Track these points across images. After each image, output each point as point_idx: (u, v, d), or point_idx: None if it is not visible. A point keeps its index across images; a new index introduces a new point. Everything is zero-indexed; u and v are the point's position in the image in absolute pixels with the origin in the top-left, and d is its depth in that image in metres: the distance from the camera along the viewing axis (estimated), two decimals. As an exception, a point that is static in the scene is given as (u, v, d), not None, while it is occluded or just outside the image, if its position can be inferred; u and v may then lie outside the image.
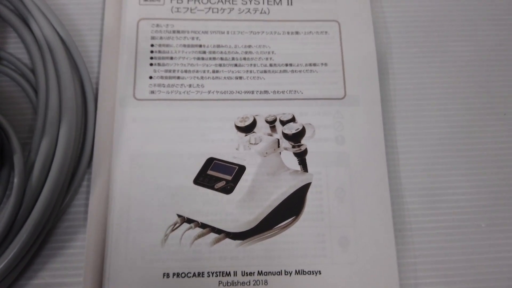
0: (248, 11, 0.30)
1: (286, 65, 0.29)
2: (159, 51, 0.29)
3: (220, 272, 0.25)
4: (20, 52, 0.29)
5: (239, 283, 0.25)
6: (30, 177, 0.24)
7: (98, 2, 0.30)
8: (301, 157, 0.27)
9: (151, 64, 0.29)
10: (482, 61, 0.30)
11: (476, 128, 0.29)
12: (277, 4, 0.30)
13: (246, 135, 0.28)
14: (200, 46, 0.29)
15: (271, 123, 0.28)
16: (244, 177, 0.27)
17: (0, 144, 0.24)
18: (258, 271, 0.25)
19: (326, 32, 0.30)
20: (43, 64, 0.27)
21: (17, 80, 0.28)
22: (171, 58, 0.29)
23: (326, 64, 0.29)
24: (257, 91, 0.28)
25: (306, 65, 0.29)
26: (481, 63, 0.30)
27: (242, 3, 0.30)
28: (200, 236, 0.25)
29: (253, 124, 0.28)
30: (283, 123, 0.28)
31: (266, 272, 0.25)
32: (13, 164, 0.24)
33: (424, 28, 0.31)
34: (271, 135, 0.28)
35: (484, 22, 0.31)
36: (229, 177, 0.27)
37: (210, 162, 0.27)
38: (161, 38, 0.29)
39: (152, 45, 0.29)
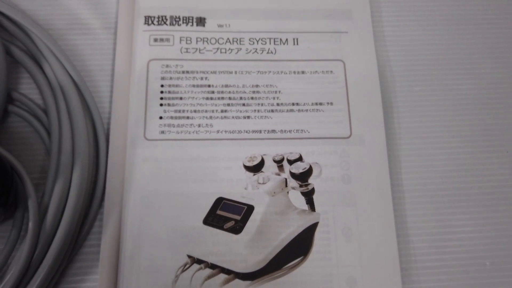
0: (255, 51, 0.31)
1: (293, 104, 0.30)
2: (169, 91, 0.30)
3: (230, 313, 0.25)
4: (32, 92, 0.29)
5: (248, 324, 0.25)
6: (45, 220, 0.24)
7: (109, 43, 0.31)
8: (309, 196, 0.28)
9: (161, 105, 0.29)
10: (484, 99, 0.31)
11: (480, 166, 0.30)
12: (284, 44, 0.31)
13: (254, 174, 0.28)
14: (209, 86, 0.30)
15: (279, 163, 0.28)
16: (252, 216, 0.27)
17: (14, 186, 0.25)
18: (268, 312, 0.25)
19: (331, 72, 0.31)
20: (56, 105, 0.28)
21: (29, 121, 0.28)
22: (181, 98, 0.30)
23: (331, 103, 0.30)
24: (265, 130, 0.29)
25: (312, 104, 0.30)
26: (483, 101, 0.31)
27: (249, 44, 0.31)
28: (210, 277, 0.26)
29: (261, 163, 0.28)
30: (291, 162, 0.28)
31: (275, 313, 0.25)
32: (26, 206, 0.25)
33: (426, 66, 0.32)
34: (278, 174, 0.28)
35: (486, 61, 0.32)
36: (238, 217, 0.27)
37: (219, 202, 0.27)
38: (170, 78, 0.30)
39: (162, 86, 0.30)
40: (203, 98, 0.30)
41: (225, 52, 0.31)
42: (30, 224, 0.24)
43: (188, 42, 0.31)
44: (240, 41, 0.31)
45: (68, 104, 0.27)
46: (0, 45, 0.28)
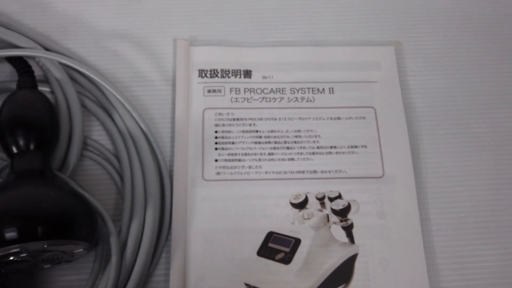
0: (296, 99, 0.35)
1: (331, 147, 0.34)
2: (222, 137, 0.34)
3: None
4: (103, 139, 0.33)
5: None
6: (124, 255, 0.28)
7: (167, 94, 0.35)
8: (348, 230, 0.31)
9: (216, 148, 0.33)
10: (500, 141, 0.35)
11: (499, 201, 0.33)
12: (321, 93, 0.35)
13: (299, 210, 0.32)
14: (257, 131, 0.34)
15: (321, 200, 0.32)
16: (300, 249, 0.31)
17: (97, 226, 0.28)
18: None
19: (364, 118, 0.35)
20: (127, 151, 0.32)
21: (102, 164, 0.32)
22: (233, 142, 0.33)
23: (365, 146, 0.34)
24: (307, 171, 0.33)
25: (348, 147, 0.34)
26: (500, 143, 0.35)
27: (290, 93, 0.35)
28: (265, 303, 0.29)
29: (305, 201, 0.32)
30: (331, 199, 0.32)
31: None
32: (105, 241, 0.28)
33: (448, 112, 0.36)
34: (321, 210, 0.32)
35: (502, 106, 0.36)
36: (287, 249, 0.31)
37: (270, 236, 0.31)
38: (223, 125, 0.34)
39: (216, 131, 0.34)
40: (252, 142, 0.34)
41: (270, 101, 0.35)
42: (113, 259, 0.28)
43: (237, 92, 0.35)
44: (282, 90, 0.35)
45: (138, 150, 0.31)
46: (77, 98, 0.32)
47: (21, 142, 0.28)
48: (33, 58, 0.33)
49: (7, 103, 0.29)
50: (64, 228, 0.25)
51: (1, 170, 0.32)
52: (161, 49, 0.36)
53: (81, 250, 0.27)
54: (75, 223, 0.25)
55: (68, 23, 0.36)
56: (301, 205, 0.32)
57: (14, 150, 0.28)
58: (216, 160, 0.33)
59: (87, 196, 0.28)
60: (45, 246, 0.24)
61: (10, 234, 0.23)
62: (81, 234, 0.26)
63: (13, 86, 0.33)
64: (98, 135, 0.33)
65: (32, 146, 0.28)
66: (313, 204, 0.32)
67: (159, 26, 0.37)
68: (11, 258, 0.25)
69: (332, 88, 0.35)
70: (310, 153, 0.34)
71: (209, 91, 0.35)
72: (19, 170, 0.27)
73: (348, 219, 0.32)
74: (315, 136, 0.34)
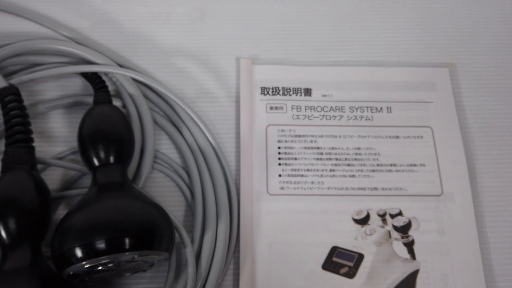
0: (355, 118, 0.36)
1: (391, 165, 0.35)
2: (285, 153, 0.35)
3: None
4: (171, 152, 0.35)
5: None
6: (199, 266, 0.29)
7: (231, 110, 0.36)
8: (409, 246, 0.32)
9: (279, 164, 0.34)
10: (555, 162, 0.36)
11: (554, 222, 0.34)
12: (379, 111, 0.36)
13: (362, 226, 0.33)
14: (318, 148, 0.35)
15: (382, 216, 0.33)
16: (363, 263, 0.32)
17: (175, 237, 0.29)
18: None
19: (421, 137, 0.36)
20: (197, 165, 0.33)
21: (170, 176, 0.34)
22: (295, 158, 0.35)
23: (424, 165, 0.35)
24: (368, 188, 0.34)
25: (407, 165, 0.35)
26: (554, 164, 0.36)
27: (349, 111, 0.36)
28: (332, 315, 0.30)
29: (367, 217, 0.33)
30: (392, 216, 0.33)
31: None
32: (178, 251, 0.30)
33: (501, 132, 0.37)
34: (383, 227, 0.33)
35: (554, 128, 0.37)
36: (351, 264, 0.32)
37: (334, 250, 0.32)
38: (286, 141, 0.35)
39: (279, 147, 0.35)
40: (313, 158, 0.35)
41: (330, 119, 0.36)
42: (190, 269, 0.29)
43: (298, 110, 0.36)
44: (341, 109, 0.36)
45: (208, 164, 0.33)
46: (149, 112, 0.34)
47: (103, 155, 0.29)
48: (106, 73, 0.35)
49: (88, 118, 0.31)
50: (153, 239, 0.26)
51: (75, 180, 0.33)
52: (224, 66, 0.38)
53: (161, 260, 0.28)
54: (161, 234, 0.27)
55: (135, 40, 0.38)
56: (363, 221, 0.33)
57: (96, 163, 0.29)
58: (280, 175, 0.34)
59: (169, 214, 0.29)
60: (135, 257, 0.26)
61: (105, 245, 0.25)
62: (165, 244, 0.27)
63: (85, 99, 0.35)
64: (166, 148, 0.35)
65: (112, 159, 0.29)
66: (374, 220, 0.33)
67: (222, 44, 0.38)
68: (100, 268, 0.26)
69: (390, 107, 0.37)
70: (370, 171, 0.35)
71: (271, 108, 0.36)
72: (102, 183, 0.29)
73: (409, 236, 0.33)
74: (375, 154, 0.35)
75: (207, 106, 0.36)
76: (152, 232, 0.26)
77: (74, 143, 0.34)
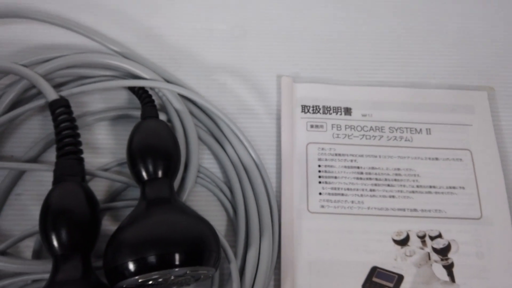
0: (395, 138, 0.37)
1: (430, 187, 0.35)
2: (325, 171, 0.35)
3: None
4: (213, 166, 0.35)
5: None
6: (243, 282, 0.30)
7: (272, 127, 0.37)
8: (449, 269, 0.33)
9: (319, 182, 0.35)
10: None
11: None
12: (418, 133, 0.37)
13: (401, 247, 0.33)
14: (358, 167, 0.35)
15: (422, 238, 0.33)
16: (403, 285, 0.32)
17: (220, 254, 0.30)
18: None
19: (460, 159, 0.36)
20: (240, 182, 0.33)
21: (212, 191, 0.34)
22: (335, 177, 0.35)
23: (463, 188, 0.35)
24: (408, 209, 0.34)
25: (446, 187, 0.35)
26: None
27: (389, 132, 0.37)
28: (372, 336, 0.30)
29: (407, 238, 0.33)
30: (432, 238, 0.33)
31: None
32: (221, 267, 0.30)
33: (541, 157, 0.37)
34: (422, 248, 0.33)
35: None
36: (391, 284, 0.32)
37: (374, 270, 0.32)
38: (326, 159, 0.36)
39: (319, 166, 0.35)
40: (353, 178, 0.35)
41: (370, 138, 0.36)
42: (234, 285, 0.29)
43: (339, 128, 0.37)
44: (381, 129, 0.37)
45: (251, 180, 0.33)
46: (194, 128, 0.34)
47: (152, 170, 0.30)
48: (153, 88, 0.36)
49: (138, 133, 0.32)
50: (203, 254, 0.26)
51: (119, 192, 0.34)
52: (265, 83, 0.38)
53: (207, 275, 0.28)
54: (210, 250, 0.27)
55: (179, 55, 0.39)
56: (403, 242, 0.33)
57: (145, 177, 0.30)
58: (320, 193, 0.34)
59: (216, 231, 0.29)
60: (187, 272, 0.26)
61: (159, 261, 0.25)
62: (213, 260, 0.27)
63: (131, 112, 0.35)
64: (208, 163, 0.35)
65: (160, 174, 0.30)
66: (414, 241, 0.33)
67: (262, 62, 0.39)
68: (150, 282, 0.26)
69: (429, 129, 0.37)
70: (410, 192, 0.35)
71: (311, 126, 0.37)
72: (151, 198, 0.29)
73: (448, 258, 0.33)
74: (414, 175, 0.35)
75: (248, 122, 0.37)
76: (202, 248, 0.27)
77: (119, 155, 0.35)
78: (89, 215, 0.28)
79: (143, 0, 0.41)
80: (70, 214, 0.28)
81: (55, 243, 0.27)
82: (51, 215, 0.28)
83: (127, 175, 0.33)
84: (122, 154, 0.35)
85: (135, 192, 0.34)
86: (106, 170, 0.34)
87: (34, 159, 0.34)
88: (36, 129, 0.35)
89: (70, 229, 0.27)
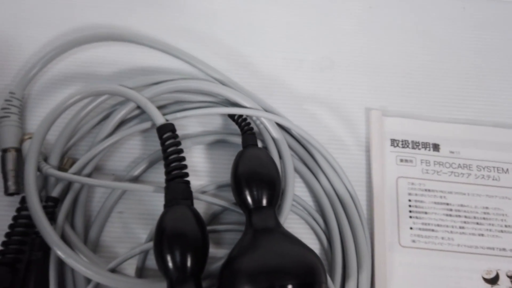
0: (483, 177, 0.37)
1: (518, 227, 0.36)
2: (416, 206, 0.36)
3: None
4: (305, 195, 0.36)
5: None
6: (344, 313, 0.30)
7: (361, 159, 0.38)
8: (540, 311, 0.33)
9: (410, 217, 0.35)
10: None
11: None
12: (505, 173, 0.37)
13: (492, 286, 0.34)
14: (447, 204, 0.36)
15: (511, 278, 0.34)
16: (496, 324, 0.32)
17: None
18: None
19: (549, 202, 0.36)
20: (334, 213, 0.34)
21: (306, 219, 0.35)
22: (426, 212, 0.36)
23: (553, 231, 0.35)
24: (497, 248, 0.35)
25: (535, 230, 0.36)
26: None
27: (477, 170, 0.37)
28: None
29: (497, 277, 0.34)
30: (522, 279, 0.34)
31: None
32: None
33: None
34: (513, 289, 0.34)
35: None
36: (483, 323, 0.32)
37: (467, 308, 0.33)
38: (416, 194, 0.36)
39: (409, 200, 0.36)
40: (443, 214, 0.36)
41: (458, 176, 0.37)
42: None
43: (427, 164, 0.37)
44: (469, 167, 0.37)
45: (346, 211, 0.34)
46: (291, 157, 0.35)
47: (259, 198, 0.31)
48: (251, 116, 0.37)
49: (244, 161, 0.33)
50: (315, 285, 0.27)
51: (217, 215, 0.35)
52: (353, 115, 0.39)
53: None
54: (320, 281, 0.28)
55: (270, 83, 0.40)
56: (493, 281, 0.34)
57: (251, 205, 0.31)
58: (411, 228, 0.35)
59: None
60: (303, 302, 0.27)
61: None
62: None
63: (228, 138, 0.37)
64: (300, 191, 0.36)
65: (265, 202, 0.31)
66: (504, 281, 0.34)
67: (350, 93, 0.40)
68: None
69: (516, 169, 0.38)
70: (498, 231, 0.35)
71: (401, 160, 0.37)
72: (259, 226, 0.30)
73: (539, 301, 0.33)
74: (503, 215, 0.36)
75: (337, 153, 0.37)
76: (315, 279, 0.27)
77: (214, 178, 0.36)
78: (201, 238, 0.29)
79: (235, 28, 0.42)
80: (187, 238, 0.29)
81: (171, 265, 0.28)
82: (170, 239, 0.28)
83: (225, 198, 0.35)
84: (218, 177, 0.36)
85: (232, 216, 0.35)
86: (203, 192, 0.35)
87: (136, 179, 0.35)
88: (136, 148, 0.37)
89: (187, 253, 0.28)
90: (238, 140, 0.36)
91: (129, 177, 0.35)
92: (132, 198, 0.35)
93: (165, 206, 0.31)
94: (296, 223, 0.35)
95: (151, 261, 0.33)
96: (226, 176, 0.36)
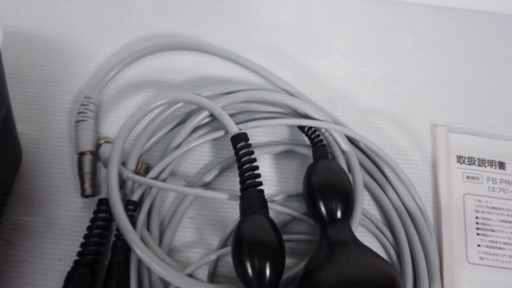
0: (548, 197, 0.37)
1: None
2: (483, 223, 0.36)
3: None
4: (372, 209, 0.36)
5: None
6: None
7: (427, 174, 0.38)
8: None
9: (477, 234, 0.36)
10: None
11: None
12: None
13: (559, 308, 0.33)
14: (515, 223, 0.36)
15: None
16: None
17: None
18: None
19: None
20: (404, 227, 0.34)
21: (374, 233, 0.35)
22: (493, 230, 0.36)
23: None
24: None
25: None
26: None
27: (534, 192, 0.37)
28: None
29: None
30: None
31: None
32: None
33: None
34: None
35: None
36: None
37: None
38: (483, 212, 0.36)
39: (476, 217, 0.36)
40: (511, 232, 0.36)
41: (522, 195, 0.37)
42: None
43: (494, 182, 0.37)
44: (531, 187, 0.38)
45: (416, 226, 0.34)
46: (360, 170, 0.36)
47: (334, 210, 0.31)
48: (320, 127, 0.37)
49: (318, 173, 0.33)
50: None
51: (285, 224, 0.35)
52: (418, 131, 0.40)
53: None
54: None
55: (335, 96, 0.41)
56: (559, 303, 0.34)
57: (326, 217, 0.31)
58: (478, 245, 0.35)
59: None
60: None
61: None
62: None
63: (295, 148, 0.37)
64: (367, 204, 0.37)
65: (340, 215, 0.31)
66: None
67: (415, 109, 0.41)
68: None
69: None
70: None
71: (467, 177, 0.38)
72: (334, 239, 0.30)
73: None
74: None
75: (404, 167, 0.37)
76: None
77: (282, 187, 0.37)
78: (279, 247, 0.30)
79: (301, 40, 0.43)
80: (267, 246, 0.29)
81: (252, 273, 0.28)
82: (251, 247, 0.29)
83: (292, 208, 0.35)
84: (285, 187, 0.37)
85: (300, 226, 0.35)
86: (272, 202, 0.36)
87: (207, 185, 0.36)
88: (206, 155, 0.37)
89: (267, 261, 0.29)
90: (305, 151, 0.37)
91: (200, 183, 0.36)
92: (203, 204, 0.36)
93: (242, 214, 0.32)
94: (364, 236, 0.36)
95: (222, 268, 0.34)
96: (292, 186, 0.37)
